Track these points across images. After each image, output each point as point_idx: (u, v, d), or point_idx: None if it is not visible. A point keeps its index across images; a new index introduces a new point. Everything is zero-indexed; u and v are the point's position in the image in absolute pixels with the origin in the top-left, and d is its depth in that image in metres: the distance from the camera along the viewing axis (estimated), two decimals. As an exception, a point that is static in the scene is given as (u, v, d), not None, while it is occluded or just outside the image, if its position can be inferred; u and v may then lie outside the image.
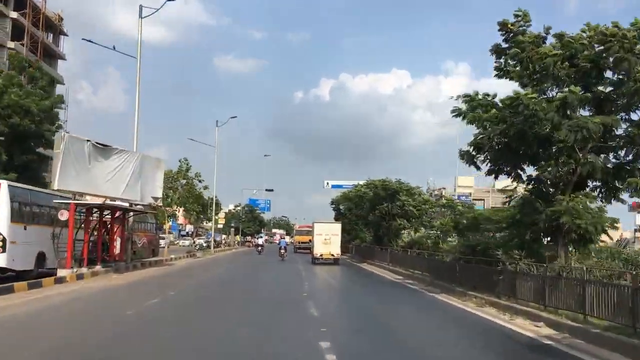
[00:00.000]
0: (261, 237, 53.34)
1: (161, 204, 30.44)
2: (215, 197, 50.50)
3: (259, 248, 44.08)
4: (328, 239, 32.35)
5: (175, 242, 64.07)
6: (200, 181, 41.40)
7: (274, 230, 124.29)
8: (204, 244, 46.46)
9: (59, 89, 41.09)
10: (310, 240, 48.45)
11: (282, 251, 37.04)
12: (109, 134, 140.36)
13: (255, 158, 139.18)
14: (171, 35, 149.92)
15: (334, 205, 53.71)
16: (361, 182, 42.59)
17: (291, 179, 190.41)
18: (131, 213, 23.90)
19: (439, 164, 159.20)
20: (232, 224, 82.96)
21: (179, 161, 39.61)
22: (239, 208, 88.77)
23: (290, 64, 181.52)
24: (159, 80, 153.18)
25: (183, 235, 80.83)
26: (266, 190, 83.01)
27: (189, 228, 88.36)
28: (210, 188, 45.02)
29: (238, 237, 77.45)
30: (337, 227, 34.34)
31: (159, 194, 25.68)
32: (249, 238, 79.59)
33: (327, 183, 71.87)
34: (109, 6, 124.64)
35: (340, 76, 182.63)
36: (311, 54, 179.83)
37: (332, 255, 32.08)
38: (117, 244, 23.12)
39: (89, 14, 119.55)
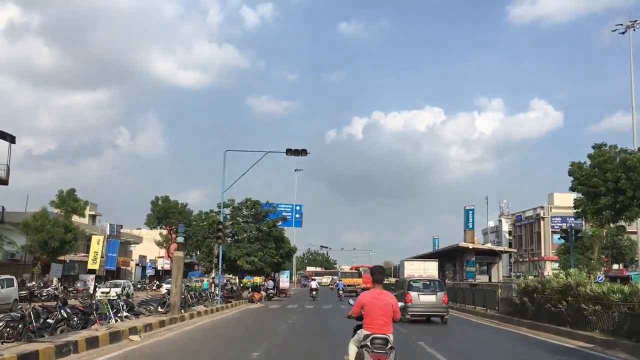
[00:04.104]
0: (314, 279, 46.43)
1: None
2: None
3: (314, 292, 40.23)
4: None
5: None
6: None
7: (308, 270, 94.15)
8: None
9: None
10: (357, 284, 49.74)
11: (340, 292, 41.10)
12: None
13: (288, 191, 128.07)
14: (206, 78, 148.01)
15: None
16: None
17: (324, 218, 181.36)
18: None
19: (477, 198, 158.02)
20: (188, 240, 36.38)
21: None
22: (225, 210, 34.87)
23: (323, 103, 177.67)
24: (193, 123, 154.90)
25: (151, 277, 51.35)
26: (295, 170, 44.62)
27: (162, 263, 56.87)
28: None
29: (210, 277, 36.67)
30: (434, 266, 31.30)
31: None
32: (251, 280, 42.20)
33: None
34: (147, 53, 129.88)
35: (373, 114, 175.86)
36: (344, 93, 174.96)
37: None
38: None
39: (127, 60, 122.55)
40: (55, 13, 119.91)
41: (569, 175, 27.88)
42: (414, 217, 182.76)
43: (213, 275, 35.69)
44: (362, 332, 6.64)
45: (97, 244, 48.66)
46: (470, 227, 37.74)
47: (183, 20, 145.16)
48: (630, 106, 34.20)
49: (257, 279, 46.71)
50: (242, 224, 37.99)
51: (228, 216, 35.51)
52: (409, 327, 16.60)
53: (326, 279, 78.45)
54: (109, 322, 14.88)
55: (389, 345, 6.38)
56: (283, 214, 47.33)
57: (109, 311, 15.54)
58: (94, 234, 50.09)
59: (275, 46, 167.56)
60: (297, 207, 49.53)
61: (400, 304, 7.11)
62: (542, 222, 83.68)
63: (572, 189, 27.92)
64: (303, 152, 27.25)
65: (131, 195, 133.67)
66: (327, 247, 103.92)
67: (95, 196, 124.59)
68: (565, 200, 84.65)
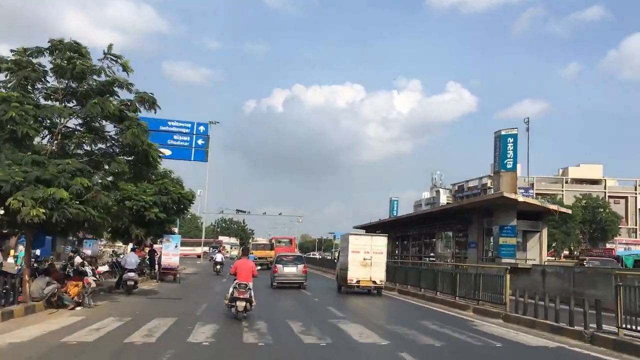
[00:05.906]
0: (218, 251, 45.17)
1: None
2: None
3: (217, 267, 35.88)
4: (369, 258, 22.81)
5: None
6: None
7: (220, 239, 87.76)
8: None
9: None
10: (269, 257, 44.49)
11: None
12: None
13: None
14: (124, 40, 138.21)
15: None
16: None
17: (239, 191, 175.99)
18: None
19: (397, 177, 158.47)
20: None
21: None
22: None
23: (245, 74, 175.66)
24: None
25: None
26: (210, 122, 31.65)
27: None
28: None
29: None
30: (382, 242, 23.44)
31: None
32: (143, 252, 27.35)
33: None
34: (56, 7, 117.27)
35: (294, 87, 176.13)
36: (266, 64, 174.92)
37: (374, 282, 22.83)
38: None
39: (38, 15, 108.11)
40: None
41: None
42: (332, 193, 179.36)
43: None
44: (235, 282, 13.33)
45: None
46: (510, 166, 21.88)
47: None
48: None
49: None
50: (39, 107, 14.30)
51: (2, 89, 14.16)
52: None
53: (237, 252, 62.55)
54: None
55: (248, 287, 13.16)
56: (182, 136, 28.89)
57: None
58: None
59: (198, 12, 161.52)
60: (201, 128, 29.50)
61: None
62: (488, 193, 73.61)
63: None
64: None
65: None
66: (244, 212, 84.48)
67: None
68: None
